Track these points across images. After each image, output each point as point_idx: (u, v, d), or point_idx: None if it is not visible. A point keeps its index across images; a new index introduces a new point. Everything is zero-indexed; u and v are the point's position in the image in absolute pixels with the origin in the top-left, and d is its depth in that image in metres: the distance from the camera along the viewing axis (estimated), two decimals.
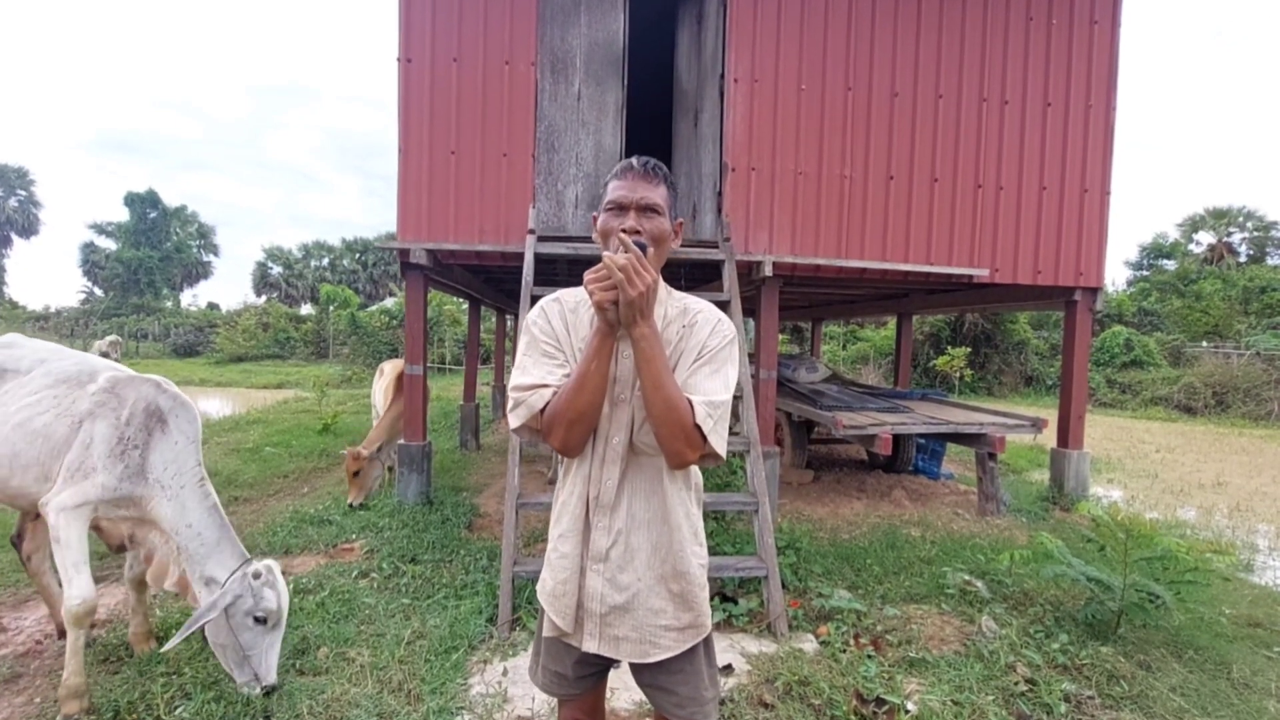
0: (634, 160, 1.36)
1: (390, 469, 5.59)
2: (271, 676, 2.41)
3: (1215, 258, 27.61)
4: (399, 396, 5.37)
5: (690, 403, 1.21)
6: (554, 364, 1.31)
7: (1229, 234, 28.90)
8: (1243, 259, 27.88)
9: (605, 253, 1.22)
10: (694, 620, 1.35)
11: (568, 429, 1.23)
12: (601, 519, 1.32)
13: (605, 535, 1.32)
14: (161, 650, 2.62)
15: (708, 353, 1.30)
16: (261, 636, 2.39)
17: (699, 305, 1.39)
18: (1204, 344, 18.47)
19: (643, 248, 1.22)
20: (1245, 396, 14.47)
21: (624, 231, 1.28)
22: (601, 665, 1.43)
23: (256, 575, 2.37)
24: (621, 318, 1.18)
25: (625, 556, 1.31)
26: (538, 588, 1.43)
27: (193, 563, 2.43)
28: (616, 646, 1.33)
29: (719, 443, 1.24)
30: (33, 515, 2.84)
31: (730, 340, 1.33)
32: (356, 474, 4.99)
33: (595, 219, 1.40)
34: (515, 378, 1.31)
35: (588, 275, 1.21)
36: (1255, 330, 18.24)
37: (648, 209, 1.32)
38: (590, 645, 1.33)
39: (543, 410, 1.25)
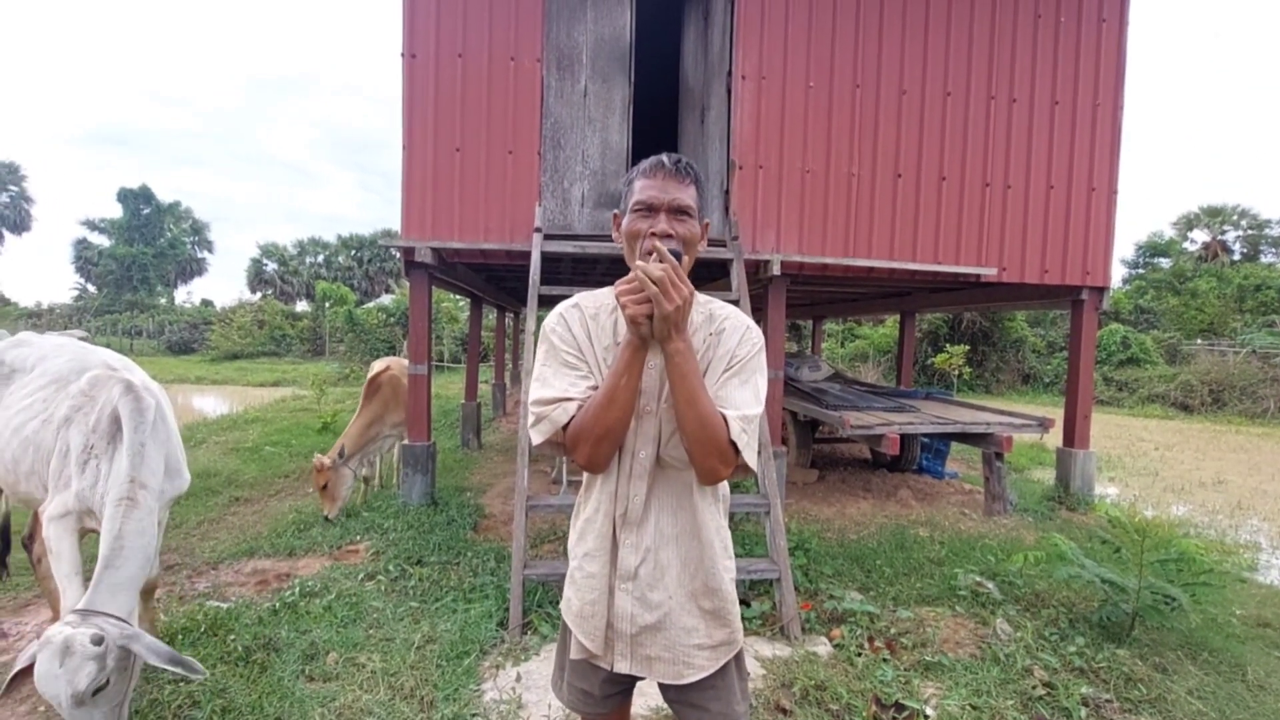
0: (664, 157, 1.27)
1: (366, 480, 5.32)
2: None
3: (1210, 255, 27.76)
4: (370, 402, 5.09)
5: (724, 418, 1.16)
6: (577, 375, 1.24)
7: (1223, 232, 29.06)
8: (1237, 256, 28.10)
9: (638, 263, 1.15)
10: (728, 637, 1.30)
11: (594, 445, 1.18)
12: (629, 536, 1.27)
13: (634, 553, 1.27)
14: None
15: (737, 363, 1.24)
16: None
17: (725, 310, 1.33)
18: (1199, 341, 18.54)
19: (676, 255, 1.15)
20: (1241, 394, 14.53)
21: (654, 235, 1.21)
22: (629, 682, 1.39)
23: (39, 634, 1.86)
24: (655, 332, 1.12)
25: (655, 574, 1.26)
26: (562, 607, 1.38)
27: None
28: (649, 667, 1.28)
29: (752, 456, 1.20)
30: None
31: (760, 349, 1.28)
32: (325, 486, 4.64)
33: (616, 218, 1.33)
34: (535, 390, 1.23)
35: (619, 286, 1.15)
36: (1250, 328, 18.33)
37: (679, 211, 1.24)
38: (622, 666, 1.28)
39: (566, 425, 1.19)
